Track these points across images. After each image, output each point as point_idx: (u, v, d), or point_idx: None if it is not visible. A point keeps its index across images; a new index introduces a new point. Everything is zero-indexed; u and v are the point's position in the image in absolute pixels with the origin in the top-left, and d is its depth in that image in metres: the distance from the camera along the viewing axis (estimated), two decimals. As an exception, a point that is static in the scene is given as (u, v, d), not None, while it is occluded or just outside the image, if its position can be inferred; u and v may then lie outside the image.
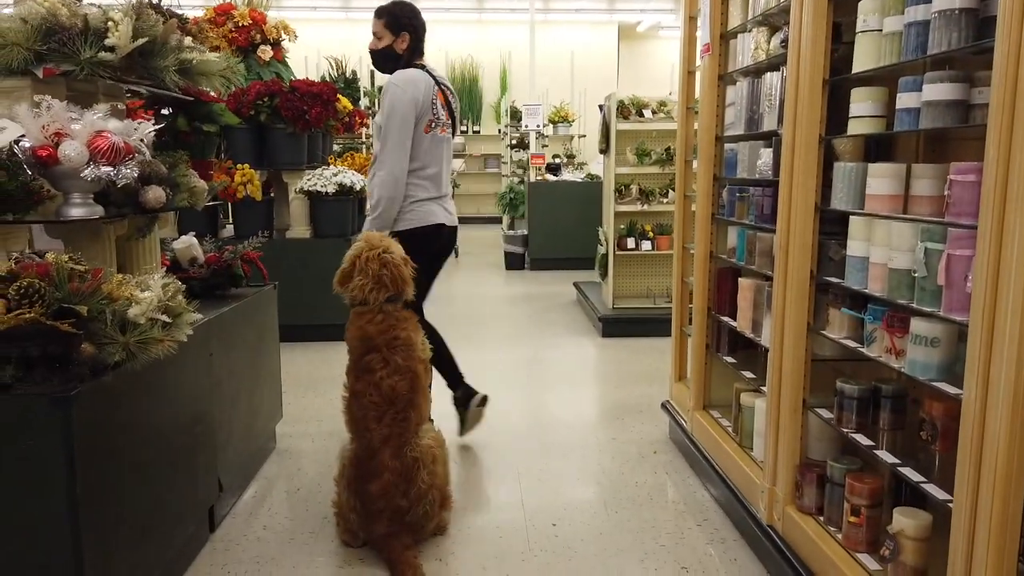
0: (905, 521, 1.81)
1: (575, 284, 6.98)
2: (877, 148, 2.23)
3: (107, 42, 2.07)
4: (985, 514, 1.51)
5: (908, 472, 1.82)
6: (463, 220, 13.70)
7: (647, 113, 5.78)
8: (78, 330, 1.73)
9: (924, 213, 1.78)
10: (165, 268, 2.77)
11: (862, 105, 1.98)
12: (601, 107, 6.10)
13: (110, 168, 1.99)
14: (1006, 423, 1.46)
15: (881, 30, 1.90)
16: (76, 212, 2.03)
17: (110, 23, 2.09)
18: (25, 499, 1.72)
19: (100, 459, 1.84)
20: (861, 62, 1.97)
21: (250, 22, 5.44)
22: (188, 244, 3.04)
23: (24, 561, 1.74)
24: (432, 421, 2.74)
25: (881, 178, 1.88)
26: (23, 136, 1.95)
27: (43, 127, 1.95)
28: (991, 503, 1.50)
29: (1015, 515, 1.50)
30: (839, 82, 2.14)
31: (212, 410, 2.58)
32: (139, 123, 2.17)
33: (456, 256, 10.11)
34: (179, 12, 2.53)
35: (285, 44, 5.93)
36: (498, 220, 12.78)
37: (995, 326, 1.47)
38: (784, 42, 2.35)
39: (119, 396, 1.93)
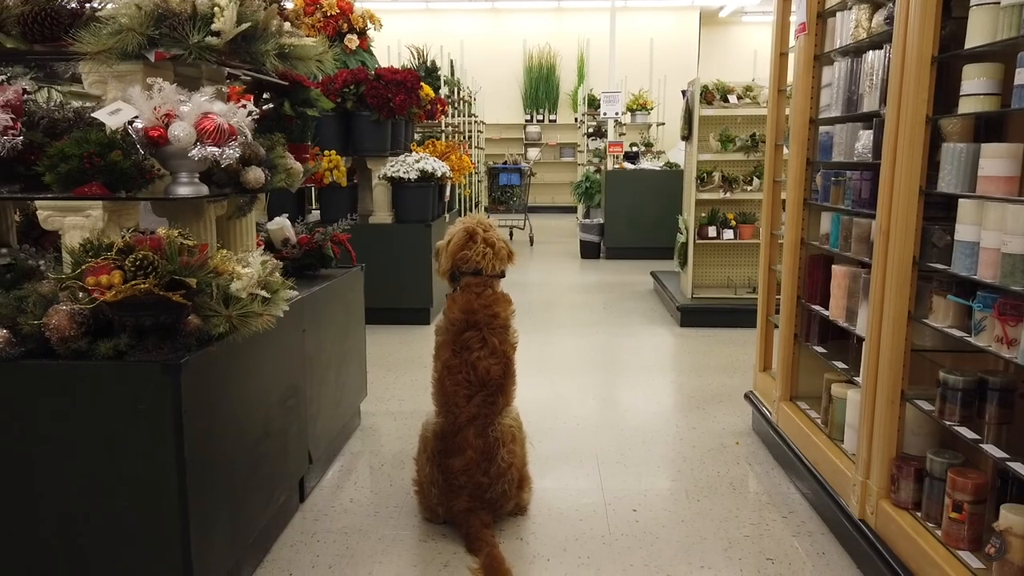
0: (1014, 518, 1.73)
1: (652, 273, 6.90)
2: (987, 128, 2.12)
3: (213, 27, 2.15)
4: (1107, 513, 1.43)
5: (1018, 467, 1.73)
6: (537, 209, 13.62)
7: (732, 98, 5.64)
8: (187, 302, 1.82)
9: (1043, 195, 1.69)
10: (260, 248, 2.88)
11: (975, 82, 1.89)
12: (684, 92, 5.99)
13: (216, 149, 2.07)
14: None
15: (999, 2, 1.81)
16: (183, 191, 2.13)
17: (216, 8, 2.17)
18: (137, 460, 1.82)
19: (204, 425, 1.93)
20: (975, 37, 1.88)
21: (338, 11, 5.56)
22: (281, 225, 3.15)
23: (134, 518, 1.84)
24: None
25: (996, 159, 1.78)
26: (136, 117, 2.05)
27: (155, 109, 2.04)
28: (1114, 501, 1.41)
29: None
30: (945, 60, 2.05)
31: (303, 384, 2.67)
32: (241, 104, 2.25)
33: (531, 244, 10.14)
34: (277, -1, 2.61)
35: (370, 33, 6.03)
36: (572, 210, 12.75)
37: (1124, 314, 1.38)
38: (889, 19, 2.26)
39: (221, 367, 2.02)
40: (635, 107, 10.67)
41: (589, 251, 8.97)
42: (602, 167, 9.26)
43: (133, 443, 1.82)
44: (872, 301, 2.26)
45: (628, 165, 8.91)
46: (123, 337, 1.83)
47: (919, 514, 2.11)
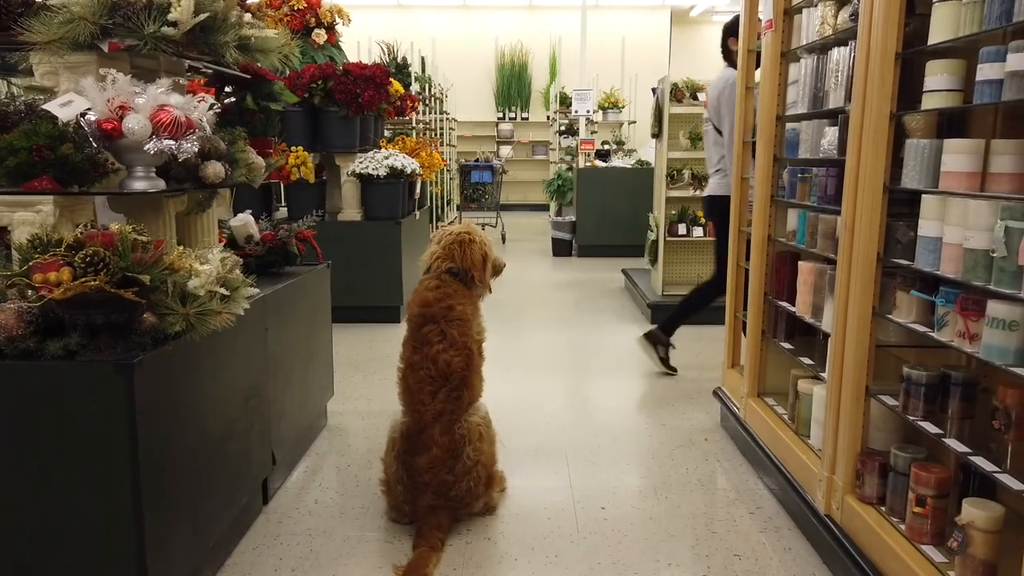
0: (976, 512, 1.74)
1: (623, 271, 6.92)
2: (950, 125, 2.13)
3: (170, 17, 2.09)
4: (1066, 506, 1.44)
5: (980, 462, 1.74)
6: (510, 207, 13.55)
7: (701, 96, 5.66)
8: (141, 299, 1.76)
9: (1004, 191, 1.70)
10: (221, 244, 2.81)
11: (938, 79, 1.89)
12: (654, 90, 6.00)
13: (172, 142, 2.02)
14: (1092, 410, 1.38)
15: (961, -1, 1.82)
16: (139, 185, 2.06)
17: (172, -2, 2.11)
18: (89, 462, 1.76)
19: (160, 426, 1.88)
20: (938, 33, 1.89)
21: (305, 6, 5.49)
22: (244, 222, 3.08)
23: (87, 521, 1.78)
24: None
25: (958, 154, 1.79)
26: (89, 109, 1.98)
27: (108, 100, 1.98)
28: (1073, 494, 1.42)
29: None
30: (910, 57, 2.06)
31: (266, 384, 2.62)
32: (200, 98, 2.19)
33: (503, 242, 10.12)
34: (238, -11, 2.54)
35: (339, 28, 5.96)
36: (545, 207, 12.74)
37: (1082, 308, 1.39)
38: (854, 15, 2.27)
39: (178, 366, 1.97)
40: (607, 105, 10.68)
41: (561, 249, 8.96)
42: (574, 165, 9.26)
43: (85, 445, 1.76)
44: (837, 297, 2.27)
45: (599, 163, 8.91)
46: (74, 336, 1.77)
47: (883, 509, 2.12)
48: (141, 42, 2.07)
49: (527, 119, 14.67)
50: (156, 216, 2.28)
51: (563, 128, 11.03)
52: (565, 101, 11.15)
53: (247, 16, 2.43)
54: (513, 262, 8.62)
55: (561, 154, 10.81)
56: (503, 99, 14.63)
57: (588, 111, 9.26)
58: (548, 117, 13.60)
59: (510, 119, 14.64)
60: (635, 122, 11.86)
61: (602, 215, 8.49)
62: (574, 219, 8.78)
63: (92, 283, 1.66)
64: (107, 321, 1.77)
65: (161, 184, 2.11)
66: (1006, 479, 1.65)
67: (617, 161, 9.19)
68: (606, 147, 9.68)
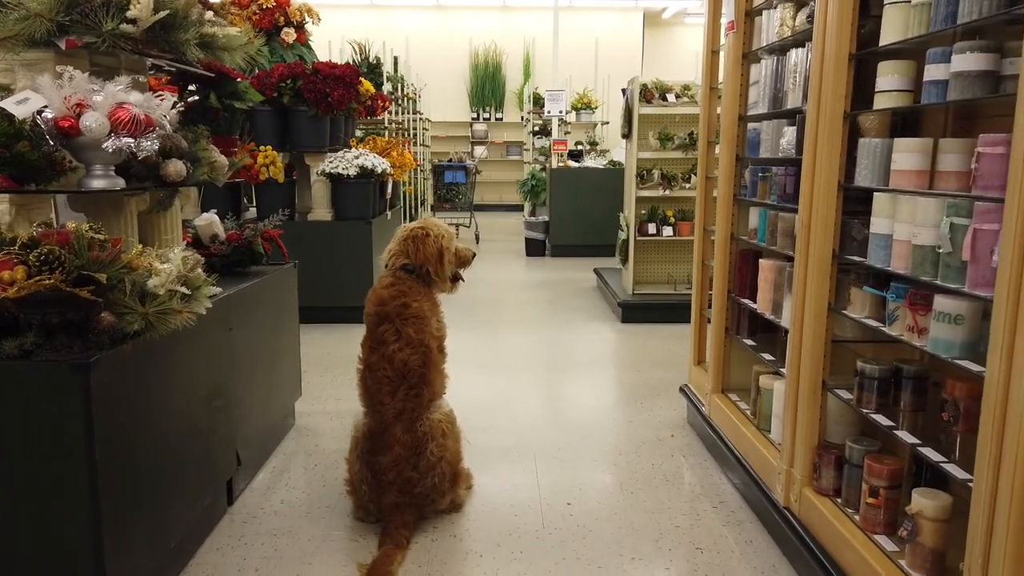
0: (924, 502, 1.78)
1: (595, 270, 6.96)
2: (903, 124, 2.18)
3: (128, 14, 2.07)
4: (1006, 493, 1.48)
5: (928, 452, 1.78)
6: (484, 207, 13.54)
7: (670, 97, 5.72)
8: (97, 298, 1.75)
9: (951, 188, 1.74)
10: (186, 244, 2.80)
11: (889, 79, 1.94)
12: (624, 91, 6.04)
13: (131, 140, 2.00)
14: (1030, 401, 1.43)
15: (910, 1, 1.86)
16: (98, 183, 2.05)
17: (131, -5, 2.09)
18: (45, 463, 1.75)
19: (118, 427, 1.86)
20: (889, 34, 1.93)
21: (274, 4, 5.46)
22: (209, 221, 3.06)
23: (43, 524, 1.77)
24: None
25: (907, 153, 1.84)
26: (46, 107, 1.97)
27: (65, 98, 1.96)
28: (1012, 482, 1.46)
29: (1038, 495, 1.47)
30: (864, 58, 2.10)
31: (231, 384, 2.61)
32: (161, 96, 2.18)
33: (477, 242, 10.12)
34: (201, -12, 2.53)
35: (309, 27, 5.94)
36: (519, 207, 12.76)
37: (1021, 301, 1.44)
38: (811, 17, 2.31)
39: (138, 366, 1.95)
40: (580, 106, 10.74)
41: (535, 249, 8.99)
42: (547, 165, 9.30)
43: (41, 446, 1.74)
44: (795, 293, 2.31)
45: (572, 163, 8.95)
46: (29, 335, 1.76)
47: (839, 500, 2.17)
48: (99, 39, 2.05)
49: (501, 119, 14.68)
50: (117, 215, 2.27)
51: (537, 128, 11.07)
52: (539, 101, 11.19)
53: (209, 14, 2.42)
54: (487, 262, 8.63)
55: (535, 154, 10.85)
56: (477, 99, 14.63)
57: (560, 111, 9.30)
58: (522, 118, 13.64)
59: (484, 119, 14.65)
60: (608, 123, 11.94)
61: (575, 215, 8.53)
62: (547, 219, 8.82)
63: (47, 282, 1.65)
64: (63, 320, 1.75)
65: (120, 183, 2.09)
66: (953, 469, 1.70)
67: (590, 161, 9.24)
68: (579, 147, 9.73)
